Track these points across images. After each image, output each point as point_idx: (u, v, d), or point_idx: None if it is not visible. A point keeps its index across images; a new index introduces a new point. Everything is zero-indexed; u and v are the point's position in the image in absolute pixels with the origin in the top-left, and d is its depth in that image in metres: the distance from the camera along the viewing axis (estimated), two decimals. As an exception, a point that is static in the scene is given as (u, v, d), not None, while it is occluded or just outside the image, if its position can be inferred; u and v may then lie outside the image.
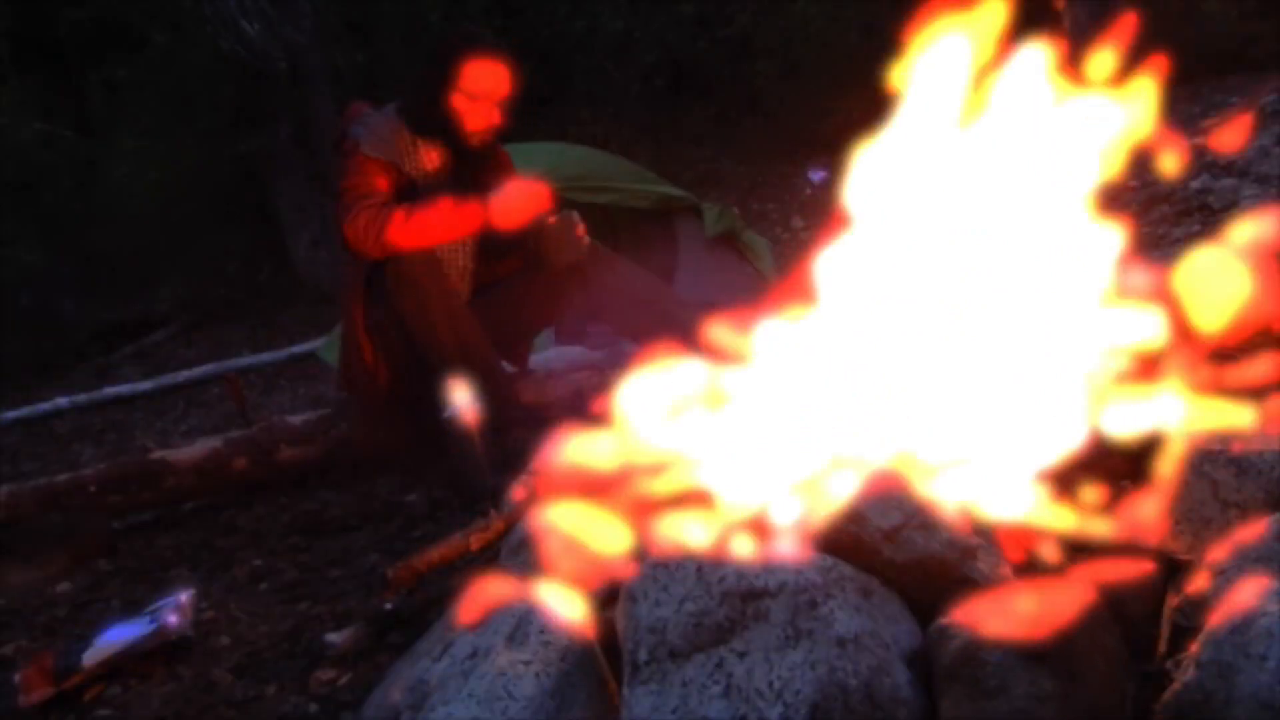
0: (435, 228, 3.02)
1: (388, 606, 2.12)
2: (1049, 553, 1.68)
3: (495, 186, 3.09)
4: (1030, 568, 1.67)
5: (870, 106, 2.41)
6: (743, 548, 1.64)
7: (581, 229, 3.17)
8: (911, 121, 2.30)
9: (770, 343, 2.43)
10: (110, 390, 6.85)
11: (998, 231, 2.23)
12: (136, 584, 2.90)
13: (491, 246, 3.32)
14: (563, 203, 3.24)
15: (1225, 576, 1.34)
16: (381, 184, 3.07)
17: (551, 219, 3.12)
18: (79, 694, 2.17)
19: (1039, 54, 2.12)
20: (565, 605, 1.56)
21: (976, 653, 1.25)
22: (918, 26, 2.21)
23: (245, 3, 7.50)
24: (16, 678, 2.19)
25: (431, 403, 2.95)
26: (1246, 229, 2.12)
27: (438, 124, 3.15)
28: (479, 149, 3.18)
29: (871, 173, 2.34)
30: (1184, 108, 6.53)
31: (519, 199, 3.06)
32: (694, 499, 2.13)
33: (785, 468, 2.02)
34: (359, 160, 3.08)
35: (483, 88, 3.10)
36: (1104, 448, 1.80)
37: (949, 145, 2.27)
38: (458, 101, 3.11)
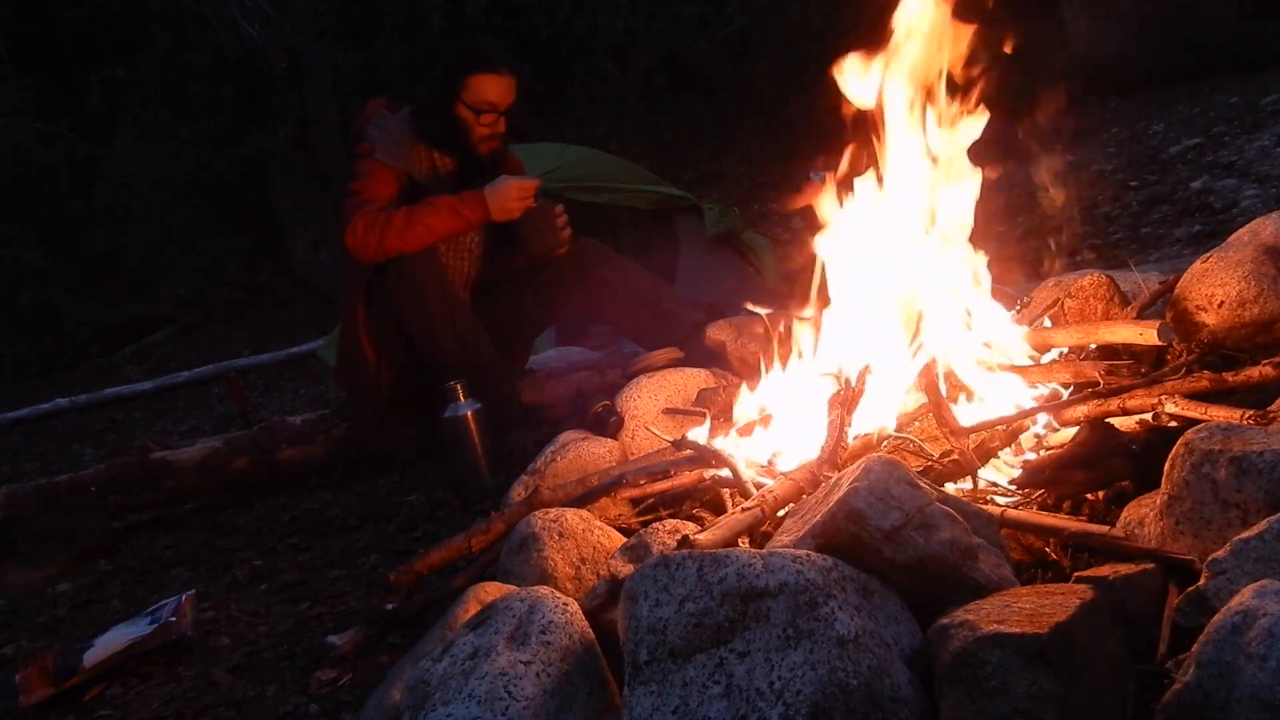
0: (436, 226, 3.03)
1: (388, 607, 2.12)
2: (1051, 553, 1.68)
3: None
4: (1031, 567, 1.67)
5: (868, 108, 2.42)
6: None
7: (563, 219, 3.18)
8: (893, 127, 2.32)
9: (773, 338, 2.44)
10: (110, 390, 6.86)
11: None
12: (136, 584, 2.90)
13: (495, 249, 3.32)
14: (562, 203, 3.24)
15: (1225, 576, 1.33)
16: (388, 190, 3.09)
17: (531, 203, 3.14)
18: (79, 694, 2.17)
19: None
20: (565, 605, 1.56)
21: (976, 653, 1.24)
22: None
23: (245, 3, 7.51)
24: (16, 678, 2.19)
25: (432, 403, 2.95)
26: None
27: (445, 135, 3.18)
28: (487, 156, 3.21)
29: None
30: (1184, 107, 6.52)
31: (512, 190, 3.08)
32: (697, 497, 2.13)
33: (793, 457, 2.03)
34: (371, 165, 3.10)
35: (485, 100, 3.14)
36: (1104, 448, 1.81)
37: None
38: (462, 113, 3.14)
